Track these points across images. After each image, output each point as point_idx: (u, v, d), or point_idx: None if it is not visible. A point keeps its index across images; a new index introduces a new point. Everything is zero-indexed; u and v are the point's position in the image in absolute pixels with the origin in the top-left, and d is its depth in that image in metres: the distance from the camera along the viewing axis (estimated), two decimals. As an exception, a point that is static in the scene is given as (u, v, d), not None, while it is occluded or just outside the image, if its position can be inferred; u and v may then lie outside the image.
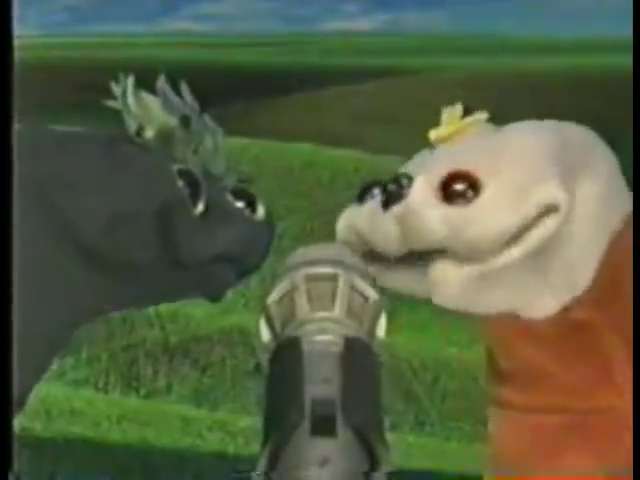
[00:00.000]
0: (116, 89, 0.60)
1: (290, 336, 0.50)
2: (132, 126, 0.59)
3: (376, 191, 0.58)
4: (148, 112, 0.59)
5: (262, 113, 9.06)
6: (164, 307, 4.90)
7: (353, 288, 0.52)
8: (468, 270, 0.53)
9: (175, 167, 0.58)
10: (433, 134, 0.58)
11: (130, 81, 0.59)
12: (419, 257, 0.55)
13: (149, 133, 0.59)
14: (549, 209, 0.53)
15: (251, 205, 0.61)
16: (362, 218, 0.57)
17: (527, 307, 0.55)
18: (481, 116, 0.58)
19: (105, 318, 0.59)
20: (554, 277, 0.55)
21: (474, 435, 3.76)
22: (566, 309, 0.55)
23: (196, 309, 5.08)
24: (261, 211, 0.61)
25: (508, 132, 0.57)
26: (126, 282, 0.57)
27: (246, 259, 0.60)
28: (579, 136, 0.57)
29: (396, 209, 0.55)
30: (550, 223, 0.53)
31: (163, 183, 0.57)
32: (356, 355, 0.49)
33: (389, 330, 0.53)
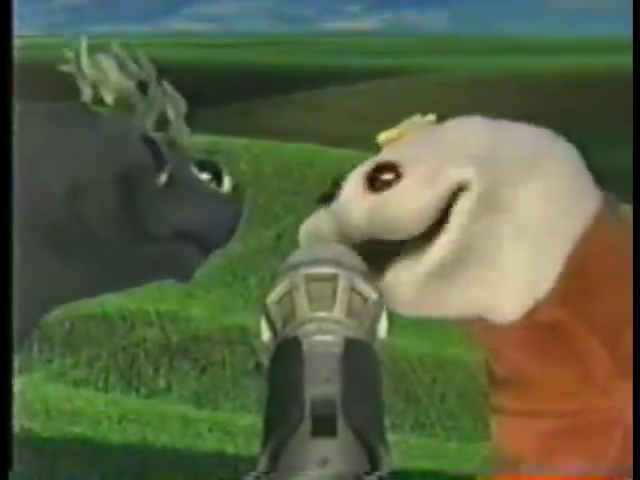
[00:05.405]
0: (69, 53, 0.56)
1: (290, 336, 0.50)
2: (88, 92, 0.55)
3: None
4: (104, 75, 0.55)
5: (262, 113, 9.05)
6: (164, 307, 4.90)
7: (353, 288, 0.52)
8: (417, 272, 0.54)
9: (137, 133, 0.55)
10: (382, 137, 0.60)
11: (83, 43, 0.56)
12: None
13: (108, 98, 0.55)
14: (461, 187, 0.53)
15: (217, 177, 0.59)
16: (310, 222, 0.59)
17: (490, 311, 0.55)
18: (430, 117, 0.59)
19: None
20: (512, 280, 0.54)
21: (474, 435, 3.76)
22: (534, 311, 0.55)
23: (196, 309, 5.08)
24: (227, 183, 0.59)
25: (445, 126, 0.58)
26: (90, 262, 0.55)
27: (210, 236, 0.58)
28: (530, 136, 0.58)
29: (332, 207, 0.57)
30: (463, 202, 0.54)
31: (125, 149, 0.54)
32: (356, 356, 0.48)
33: (389, 330, 0.53)
